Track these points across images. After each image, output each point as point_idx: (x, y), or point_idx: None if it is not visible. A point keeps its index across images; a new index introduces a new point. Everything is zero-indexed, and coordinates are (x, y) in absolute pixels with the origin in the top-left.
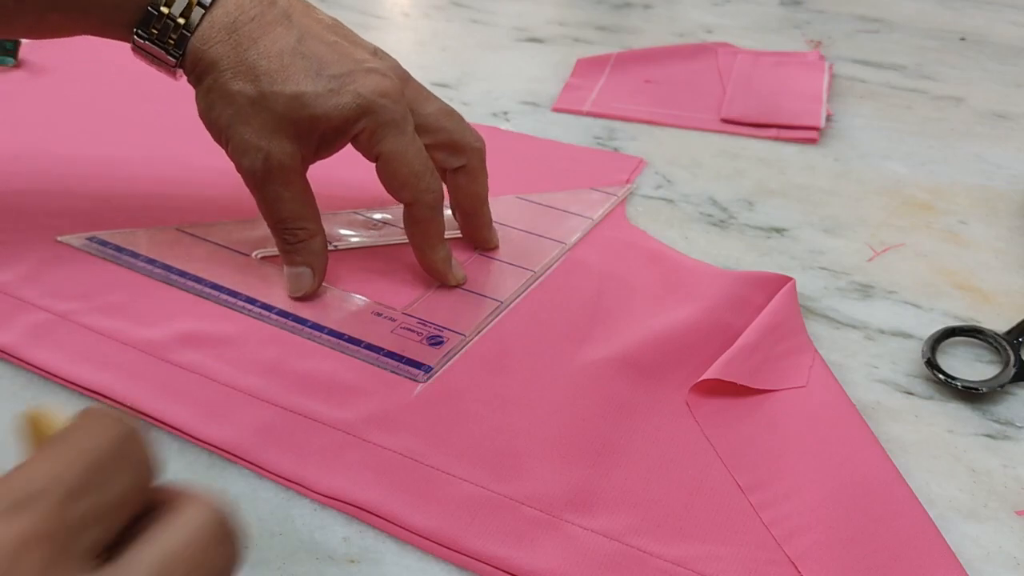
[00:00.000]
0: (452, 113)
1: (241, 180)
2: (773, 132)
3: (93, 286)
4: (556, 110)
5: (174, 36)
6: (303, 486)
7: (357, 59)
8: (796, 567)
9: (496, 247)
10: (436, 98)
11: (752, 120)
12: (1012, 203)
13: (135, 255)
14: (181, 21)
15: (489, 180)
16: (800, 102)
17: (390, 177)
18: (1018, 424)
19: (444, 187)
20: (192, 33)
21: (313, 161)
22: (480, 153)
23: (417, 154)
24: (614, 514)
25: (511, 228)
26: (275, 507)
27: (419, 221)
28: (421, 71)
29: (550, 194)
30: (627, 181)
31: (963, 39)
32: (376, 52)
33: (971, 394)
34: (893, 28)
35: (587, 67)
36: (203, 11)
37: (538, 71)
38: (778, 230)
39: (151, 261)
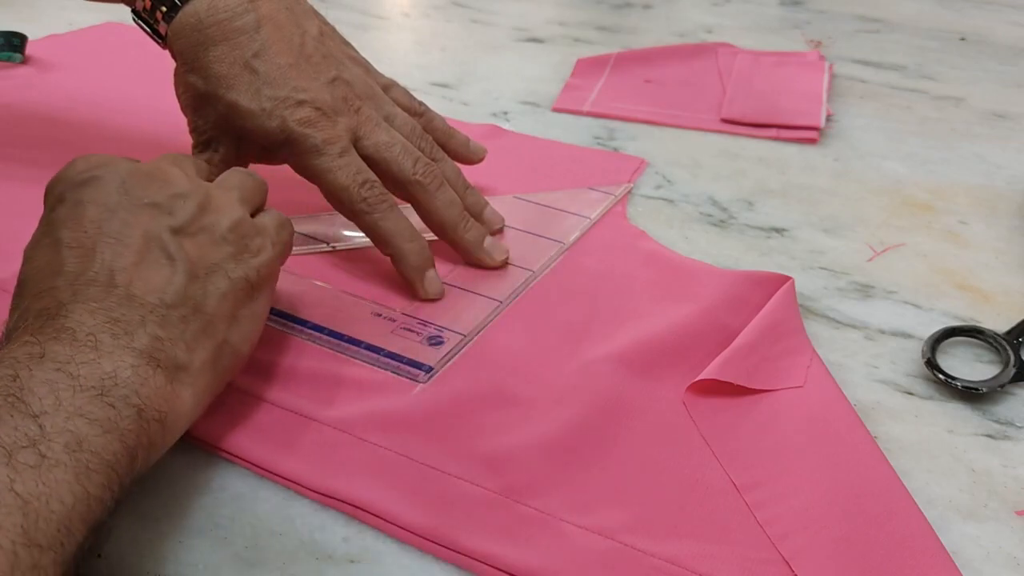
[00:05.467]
0: (396, 144)
1: None
2: (773, 132)
3: None
4: (556, 110)
5: (155, 24)
6: (303, 486)
7: (298, 86)
8: (790, 566)
9: (495, 266)
10: (388, 128)
11: (752, 120)
12: (1012, 203)
13: None
14: (163, 9)
15: (489, 180)
16: (800, 102)
17: (325, 196)
18: (1018, 424)
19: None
20: (169, 24)
21: (258, 162)
22: (419, 185)
23: (339, 170)
24: (610, 512)
25: (510, 228)
26: (275, 507)
27: (368, 230)
28: (421, 71)
29: (548, 193)
30: (628, 181)
31: (963, 39)
32: (335, 80)
33: (971, 394)
34: (893, 28)
35: (587, 67)
36: (178, 6)
37: (538, 71)
38: (778, 230)
39: None
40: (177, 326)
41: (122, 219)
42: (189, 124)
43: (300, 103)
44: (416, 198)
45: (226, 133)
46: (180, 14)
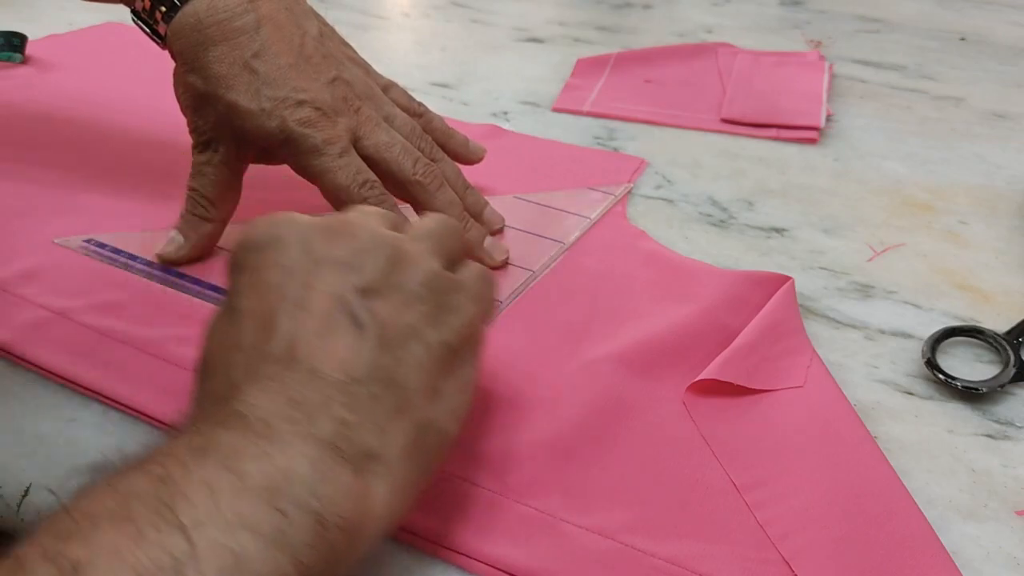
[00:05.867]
0: (396, 144)
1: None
2: (773, 132)
3: (91, 285)
4: (556, 110)
5: (155, 24)
6: None
7: (298, 86)
8: (790, 566)
9: (495, 266)
10: (388, 128)
11: (752, 120)
12: (1012, 203)
13: (133, 257)
14: (162, 9)
15: (489, 180)
16: (800, 102)
17: (325, 196)
18: (1018, 424)
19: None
20: (168, 24)
21: (258, 162)
22: (419, 185)
23: (339, 171)
24: (610, 512)
25: (510, 228)
26: None
27: None
28: (421, 71)
29: (548, 193)
30: (628, 181)
31: (963, 39)
32: (335, 79)
33: (971, 394)
34: (893, 28)
35: (587, 67)
36: (178, 7)
37: (538, 71)
38: (778, 230)
39: (149, 263)
40: (367, 406)
41: (303, 281)
42: (189, 124)
43: (300, 103)
44: (416, 198)
45: (226, 133)
46: (179, 14)
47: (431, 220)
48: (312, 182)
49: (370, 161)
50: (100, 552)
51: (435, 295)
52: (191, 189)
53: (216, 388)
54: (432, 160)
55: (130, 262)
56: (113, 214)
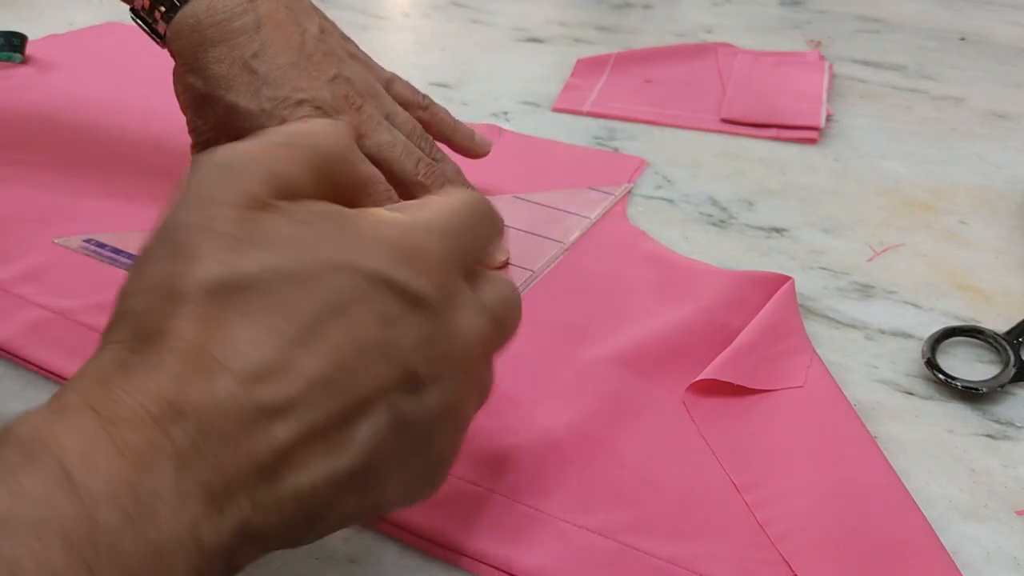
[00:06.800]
0: (398, 144)
1: None
2: (773, 132)
3: (91, 285)
4: (556, 110)
5: (154, 23)
6: None
7: (298, 86)
8: (790, 566)
9: (495, 267)
10: (390, 127)
11: (752, 120)
12: (1012, 203)
13: (133, 257)
14: (162, 9)
15: (489, 180)
16: (800, 102)
17: None
18: (1018, 424)
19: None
20: (168, 24)
21: None
22: (421, 186)
23: None
24: (609, 512)
25: (510, 228)
26: None
27: None
28: (421, 71)
29: (548, 193)
30: (628, 181)
31: (963, 39)
32: (336, 77)
33: (971, 394)
34: (893, 28)
35: (587, 67)
36: (178, 7)
37: (538, 71)
38: (778, 230)
39: None
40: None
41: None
42: (188, 124)
43: (300, 103)
44: (417, 198)
45: (226, 134)
46: (179, 15)
47: (456, 199)
48: None
49: (372, 160)
50: None
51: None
52: None
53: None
54: (433, 160)
55: (130, 262)
56: (113, 214)
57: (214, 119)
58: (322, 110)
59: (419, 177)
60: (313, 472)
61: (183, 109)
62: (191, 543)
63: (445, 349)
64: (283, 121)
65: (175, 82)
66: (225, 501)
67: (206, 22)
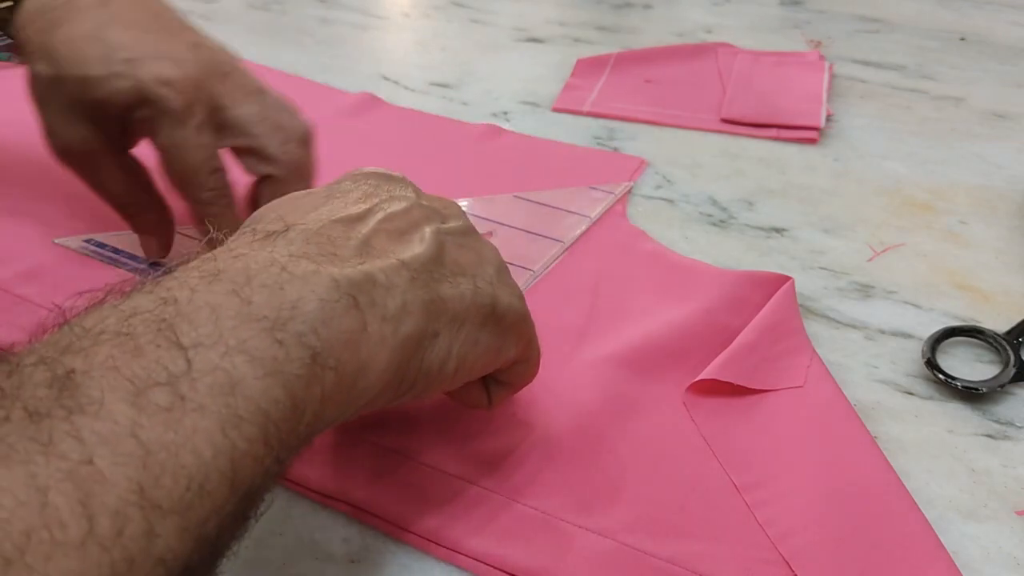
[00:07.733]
0: (270, 118)
1: (240, 183)
2: (773, 132)
3: (91, 285)
4: (556, 110)
5: (7, 26)
6: (303, 486)
7: (155, 48)
8: (790, 566)
9: None
10: (262, 98)
11: (752, 120)
12: (1012, 203)
13: (133, 258)
14: (9, 2)
15: (489, 180)
16: (800, 102)
17: (167, 172)
18: (1018, 424)
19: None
20: (12, 15)
21: (130, 146)
22: (293, 165)
23: (195, 149)
24: (609, 512)
25: (509, 227)
26: (275, 507)
27: (200, 222)
28: (421, 71)
29: (548, 192)
30: (628, 181)
31: (963, 39)
32: (197, 44)
33: (971, 394)
34: (893, 28)
35: (587, 67)
36: None
37: (538, 71)
38: (778, 230)
39: (149, 263)
40: (403, 283)
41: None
42: (43, 129)
43: (158, 58)
44: (279, 179)
45: (82, 120)
46: (24, 2)
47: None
48: (158, 152)
49: (234, 133)
50: (96, 363)
51: (496, 266)
52: (108, 201)
53: (265, 226)
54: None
55: (130, 262)
56: (113, 214)
57: (67, 109)
58: (181, 67)
59: (280, 155)
60: (397, 254)
61: (36, 108)
62: (328, 279)
63: (438, 203)
64: (136, 80)
65: (26, 81)
66: (341, 263)
67: (51, 4)
